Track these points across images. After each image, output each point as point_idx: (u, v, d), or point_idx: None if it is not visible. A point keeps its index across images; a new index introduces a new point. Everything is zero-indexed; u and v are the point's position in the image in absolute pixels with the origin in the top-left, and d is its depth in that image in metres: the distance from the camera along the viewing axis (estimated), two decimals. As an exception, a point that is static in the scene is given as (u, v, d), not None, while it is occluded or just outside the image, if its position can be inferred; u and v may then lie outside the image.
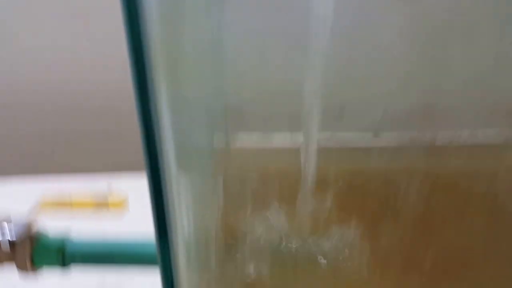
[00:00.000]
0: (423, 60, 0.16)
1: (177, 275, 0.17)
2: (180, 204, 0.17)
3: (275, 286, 0.19)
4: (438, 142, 0.17)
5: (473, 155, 0.18)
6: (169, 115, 0.16)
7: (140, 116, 0.15)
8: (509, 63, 0.16)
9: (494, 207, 0.18)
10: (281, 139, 0.18)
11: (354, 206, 0.18)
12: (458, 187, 0.18)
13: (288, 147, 0.18)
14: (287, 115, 0.17)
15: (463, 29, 0.16)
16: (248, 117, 0.17)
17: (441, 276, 0.19)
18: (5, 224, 0.31)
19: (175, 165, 0.16)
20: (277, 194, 0.18)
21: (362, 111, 0.17)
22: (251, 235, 0.19)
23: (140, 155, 0.16)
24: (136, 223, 0.39)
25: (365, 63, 0.16)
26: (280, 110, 0.17)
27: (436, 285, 0.19)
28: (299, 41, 0.16)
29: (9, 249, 0.31)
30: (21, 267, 0.31)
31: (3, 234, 0.30)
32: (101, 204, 0.29)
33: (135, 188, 0.47)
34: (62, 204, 0.30)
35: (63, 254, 0.30)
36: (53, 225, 0.33)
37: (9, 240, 0.31)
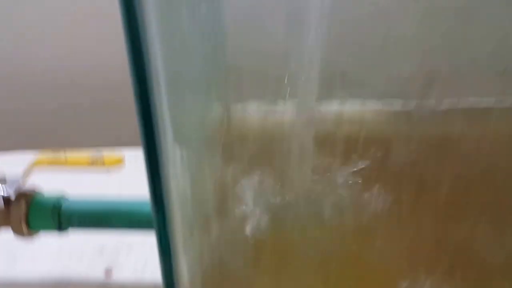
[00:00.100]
0: (424, 24, 0.16)
1: (174, 240, 0.16)
2: (176, 171, 0.17)
3: (272, 248, 0.19)
4: (442, 107, 0.17)
5: (476, 119, 0.17)
6: (165, 78, 0.15)
7: (134, 82, 0.14)
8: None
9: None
10: (281, 107, 0.17)
11: (356, 173, 0.18)
12: (461, 151, 0.18)
13: (289, 115, 0.17)
14: (286, 83, 0.17)
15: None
16: (246, 85, 0.17)
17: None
18: (0, 185, 0.30)
19: (171, 134, 0.16)
20: (275, 160, 0.18)
21: (364, 77, 0.17)
22: (248, 200, 0.18)
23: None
24: (133, 180, 0.38)
25: (366, 26, 0.16)
26: (279, 77, 0.17)
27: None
28: (299, 3, 0.15)
29: (3, 208, 0.30)
30: (17, 228, 0.30)
31: (-3, 194, 0.30)
32: (97, 161, 0.28)
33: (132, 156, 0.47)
34: (57, 161, 0.28)
35: (58, 213, 0.29)
36: (48, 184, 0.33)
37: (3, 200, 0.30)
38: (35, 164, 0.29)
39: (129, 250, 0.36)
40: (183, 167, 0.17)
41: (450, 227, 0.19)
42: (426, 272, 0.19)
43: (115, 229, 0.30)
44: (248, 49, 0.17)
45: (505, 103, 0.17)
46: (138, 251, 0.36)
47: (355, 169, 0.18)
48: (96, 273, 0.34)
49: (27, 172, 0.29)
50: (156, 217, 0.16)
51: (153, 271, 0.34)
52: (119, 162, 0.28)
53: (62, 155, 0.29)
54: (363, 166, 0.18)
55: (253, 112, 0.18)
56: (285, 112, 0.18)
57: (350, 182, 0.18)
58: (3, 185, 0.29)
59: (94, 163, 0.28)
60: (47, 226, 0.30)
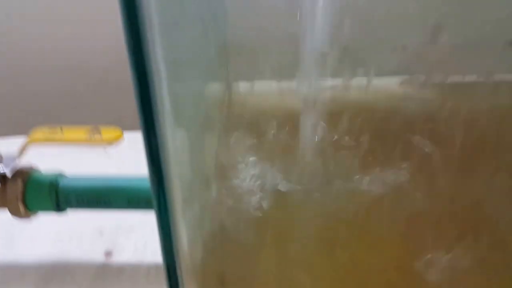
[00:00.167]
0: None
1: (174, 219, 0.16)
2: (176, 152, 0.16)
3: (273, 225, 0.18)
4: (449, 80, 0.17)
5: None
6: (164, 59, 0.15)
7: (132, 63, 0.14)
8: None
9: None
10: (282, 85, 0.17)
11: (359, 147, 0.18)
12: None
13: (291, 93, 0.17)
14: (287, 59, 0.17)
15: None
16: (247, 63, 0.17)
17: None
18: (-6, 161, 0.29)
19: (171, 115, 0.15)
20: (277, 139, 0.18)
21: (366, 51, 0.17)
22: (249, 177, 0.18)
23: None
24: (132, 160, 0.37)
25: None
26: (281, 55, 0.17)
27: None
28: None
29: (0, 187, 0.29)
30: (13, 207, 0.29)
31: (-7, 171, 0.29)
32: (95, 135, 0.27)
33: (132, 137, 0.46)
34: (53, 138, 0.28)
35: (56, 191, 0.28)
36: (45, 162, 0.32)
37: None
38: (31, 141, 0.28)
39: (129, 232, 0.35)
40: (183, 148, 0.17)
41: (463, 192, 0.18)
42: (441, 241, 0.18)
43: (114, 206, 0.29)
44: (249, 26, 0.17)
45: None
46: (138, 232, 0.35)
47: (361, 145, 0.18)
48: (95, 254, 0.33)
49: (23, 149, 0.28)
50: (156, 198, 0.15)
51: (154, 252, 0.33)
52: (118, 136, 0.28)
53: (58, 130, 0.28)
54: (368, 141, 0.17)
55: (255, 91, 0.17)
56: (287, 90, 0.17)
57: (356, 156, 0.18)
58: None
59: (92, 137, 0.28)
60: (44, 205, 0.29)
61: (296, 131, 0.18)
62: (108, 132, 0.28)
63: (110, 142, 0.27)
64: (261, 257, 0.18)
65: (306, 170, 0.18)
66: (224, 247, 0.18)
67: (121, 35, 0.14)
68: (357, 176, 0.18)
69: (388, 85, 0.17)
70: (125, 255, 0.34)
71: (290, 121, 0.18)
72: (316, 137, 0.18)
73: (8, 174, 0.29)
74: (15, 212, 0.30)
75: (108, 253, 0.34)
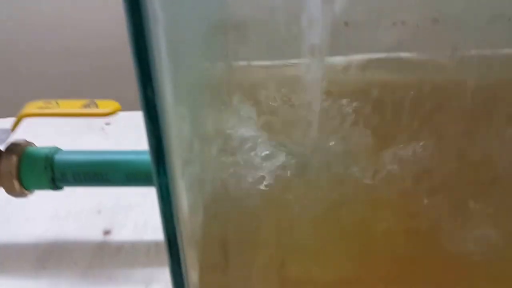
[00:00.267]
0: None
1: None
2: (177, 131, 0.15)
3: (277, 188, 0.17)
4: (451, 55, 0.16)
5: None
6: (165, 37, 0.14)
7: (132, 43, 0.13)
8: None
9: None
10: (284, 62, 0.17)
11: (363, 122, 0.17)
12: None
13: (292, 69, 0.17)
14: (286, 36, 0.16)
15: None
16: (248, 41, 0.16)
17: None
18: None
19: (172, 95, 0.15)
20: (279, 116, 0.17)
21: (365, 27, 0.16)
22: (252, 151, 0.17)
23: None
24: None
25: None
26: (282, 31, 0.16)
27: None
28: None
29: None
30: (8, 184, 0.28)
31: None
32: (90, 105, 0.26)
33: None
34: (48, 109, 0.27)
35: (51, 166, 0.27)
36: (39, 139, 0.31)
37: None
38: (25, 115, 0.27)
39: (128, 210, 0.35)
40: (184, 126, 0.16)
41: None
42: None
43: (112, 182, 0.29)
44: (250, 3, 0.16)
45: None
46: (138, 210, 0.35)
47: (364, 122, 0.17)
48: (94, 233, 0.33)
49: (16, 123, 0.27)
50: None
51: (154, 230, 0.33)
52: (115, 109, 0.27)
53: (53, 103, 0.27)
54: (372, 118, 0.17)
55: (256, 68, 0.17)
56: (288, 66, 0.17)
57: (359, 134, 0.17)
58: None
59: (88, 108, 0.27)
60: (40, 181, 0.28)
61: (296, 100, 0.17)
62: (105, 105, 0.27)
63: (108, 114, 0.26)
64: (265, 221, 0.17)
65: (308, 135, 0.18)
66: (226, 211, 0.17)
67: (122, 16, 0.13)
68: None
69: (387, 60, 0.17)
70: (124, 233, 0.33)
71: (289, 93, 0.17)
72: (316, 108, 0.17)
73: (1, 147, 0.28)
74: (9, 189, 0.29)
75: (106, 232, 0.33)
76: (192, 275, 0.17)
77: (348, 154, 0.17)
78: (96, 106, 0.27)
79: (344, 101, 0.17)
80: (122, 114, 0.45)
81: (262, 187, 0.17)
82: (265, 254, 0.17)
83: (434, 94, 0.17)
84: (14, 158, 0.28)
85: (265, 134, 0.18)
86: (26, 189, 0.29)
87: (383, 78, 0.17)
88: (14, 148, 0.28)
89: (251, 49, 0.17)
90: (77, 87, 0.59)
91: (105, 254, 0.31)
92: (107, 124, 0.45)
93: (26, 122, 0.31)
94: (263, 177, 0.17)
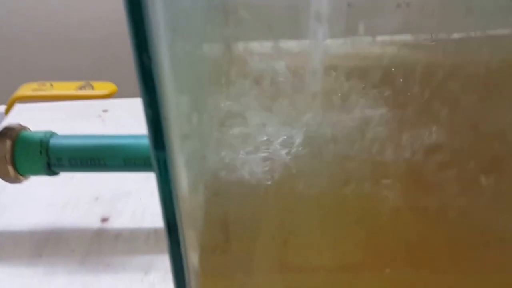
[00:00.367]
0: None
1: (174, 172, 0.14)
2: (177, 116, 0.15)
3: (282, 174, 0.17)
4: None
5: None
6: (164, 22, 0.13)
7: (131, 28, 0.12)
8: None
9: None
10: (284, 44, 0.16)
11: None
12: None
13: (293, 52, 0.16)
14: (289, 18, 0.16)
15: None
16: (248, 23, 0.16)
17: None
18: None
19: (172, 80, 0.14)
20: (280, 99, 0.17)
21: (369, 8, 0.16)
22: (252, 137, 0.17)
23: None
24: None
25: None
26: (282, 13, 0.16)
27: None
28: None
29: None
30: (2, 169, 0.27)
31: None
32: (86, 86, 0.25)
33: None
34: (42, 91, 0.26)
35: (46, 149, 0.27)
36: (34, 121, 0.30)
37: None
38: (19, 97, 0.26)
39: (126, 197, 0.34)
40: (182, 98, 0.15)
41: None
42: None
43: (109, 167, 0.28)
44: None
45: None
46: (136, 198, 0.34)
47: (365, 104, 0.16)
48: (91, 221, 0.32)
49: (10, 105, 0.26)
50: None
51: (153, 217, 0.32)
52: (112, 91, 0.26)
53: (48, 85, 0.26)
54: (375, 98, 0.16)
55: (256, 51, 0.16)
56: (289, 49, 0.16)
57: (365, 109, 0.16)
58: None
59: (84, 89, 0.26)
60: (35, 166, 0.28)
61: (299, 82, 0.17)
62: (101, 87, 0.26)
63: (104, 97, 0.25)
64: (267, 200, 0.16)
65: (311, 111, 0.17)
66: (227, 190, 0.16)
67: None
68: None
69: (392, 42, 0.16)
70: (122, 221, 0.32)
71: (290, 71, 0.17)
72: (317, 89, 0.17)
73: (-5, 133, 0.27)
74: (4, 175, 0.28)
75: (104, 219, 0.32)
76: (192, 256, 0.16)
77: (355, 130, 0.16)
78: (92, 88, 0.26)
79: (348, 78, 0.17)
80: (120, 101, 0.44)
81: (264, 165, 0.16)
82: (268, 235, 0.17)
83: (443, 69, 0.16)
84: (8, 143, 0.27)
85: (267, 111, 0.17)
86: (21, 175, 0.28)
87: (390, 54, 0.16)
88: (8, 132, 0.27)
89: (250, 29, 0.16)
90: (73, 74, 0.58)
91: (103, 241, 0.30)
92: (104, 111, 0.44)
93: (20, 108, 0.30)
94: (265, 155, 0.17)
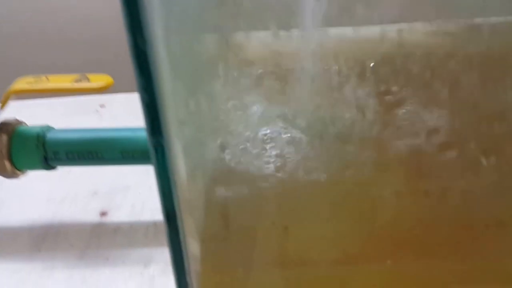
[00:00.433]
0: None
1: (172, 159, 0.14)
2: (174, 105, 0.15)
3: (282, 161, 0.17)
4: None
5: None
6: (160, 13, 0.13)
7: (126, 17, 0.12)
8: None
9: None
10: (282, 34, 0.16)
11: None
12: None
13: (291, 42, 0.16)
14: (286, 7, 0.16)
15: None
16: (244, 13, 0.16)
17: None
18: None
19: (169, 70, 0.14)
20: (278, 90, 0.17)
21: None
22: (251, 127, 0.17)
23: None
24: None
25: None
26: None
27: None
28: None
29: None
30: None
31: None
32: (82, 79, 0.25)
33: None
34: (38, 84, 0.26)
35: (43, 144, 0.26)
36: (30, 116, 0.30)
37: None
38: (14, 91, 0.26)
39: (125, 192, 0.34)
40: (178, 82, 0.15)
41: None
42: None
43: (107, 160, 0.28)
44: None
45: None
46: (135, 192, 0.34)
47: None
48: (90, 215, 0.32)
49: (5, 100, 0.26)
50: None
51: (152, 211, 0.32)
52: (108, 83, 0.26)
53: (43, 79, 0.26)
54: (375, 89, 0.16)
55: (253, 41, 0.16)
56: (287, 39, 0.16)
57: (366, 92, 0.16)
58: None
59: (80, 82, 0.25)
60: (32, 160, 0.27)
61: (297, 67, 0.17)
62: (97, 79, 0.26)
63: (100, 89, 0.25)
64: (267, 187, 0.16)
65: (309, 97, 0.17)
66: (226, 178, 0.16)
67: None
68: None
69: (390, 31, 0.16)
70: (121, 214, 0.32)
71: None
72: (314, 80, 0.17)
73: (-9, 127, 0.27)
74: (1, 169, 0.28)
75: (103, 213, 0.32)
76: (192, 244, 0.16)
77: (354, 114, 0.16)
78: (88, 80, 0.26)
79: (347, 65, 0.16)
80: (117, 96, 0.44)
81: (264, 151, 0.16)
82: (268, 221, 0.17)
83: (444, 54, 0.16)
84: (4, 137, 0.27)
85: (265, 96, 0.17)
86: (18, 170, 0.28)
87: (389, 38, 0.16)
88: (4, 127, 0.27)
89: (248, 13, 0.16)
90: (70, 69, 0.58)
91: (102, 235, 0.30)
92: (102, 106, 0.44)
93: (16, 104, 0.30)
94: (264, 141, 0.16)
